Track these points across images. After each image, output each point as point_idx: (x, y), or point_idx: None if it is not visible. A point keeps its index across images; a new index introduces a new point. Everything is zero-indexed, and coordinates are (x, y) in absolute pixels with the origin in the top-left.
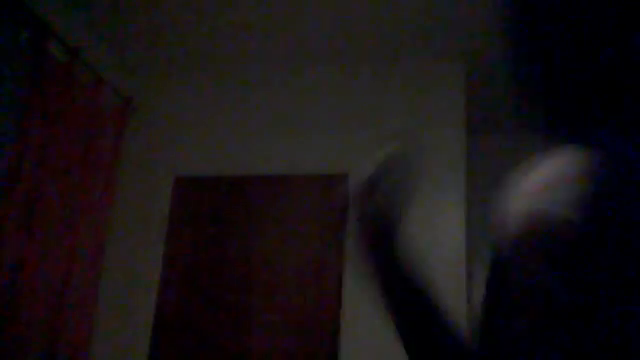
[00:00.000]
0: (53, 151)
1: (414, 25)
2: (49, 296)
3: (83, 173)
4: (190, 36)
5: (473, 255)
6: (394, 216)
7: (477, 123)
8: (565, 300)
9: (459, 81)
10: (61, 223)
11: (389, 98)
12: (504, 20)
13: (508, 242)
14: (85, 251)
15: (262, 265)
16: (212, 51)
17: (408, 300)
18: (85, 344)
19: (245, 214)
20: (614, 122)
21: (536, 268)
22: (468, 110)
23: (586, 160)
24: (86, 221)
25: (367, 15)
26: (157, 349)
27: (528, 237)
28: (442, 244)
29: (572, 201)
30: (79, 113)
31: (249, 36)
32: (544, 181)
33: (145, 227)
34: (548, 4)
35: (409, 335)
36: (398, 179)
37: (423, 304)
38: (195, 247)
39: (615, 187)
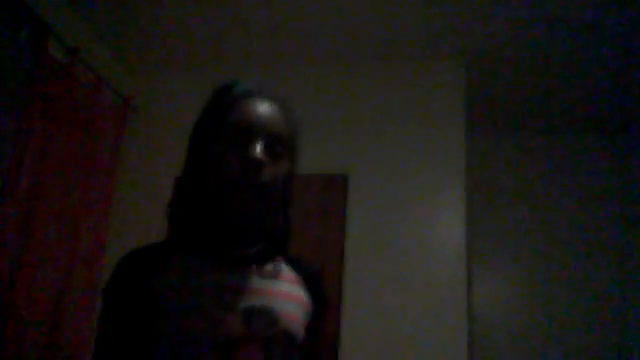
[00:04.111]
0: (53, 151)
1: (414, 25)
2: (49, 296)
3: (83, 173)
4: (190, 36)
5: (473, 255)
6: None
7: (477, 123)
8: None
9: (459, 81)
10: (61, 223)
11: (389, 98)
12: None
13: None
14: (85, 251)
15: None
16: (212, 51)
17: None
18: (85, 344)
19: None
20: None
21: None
22: (468, 110)
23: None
24: (86, 221)
25: (367, 15)
26: None
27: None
28: (442, 244)
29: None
30: (79, 113)
31: (249, 36)
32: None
33: (145, 227)
34: None
35: None
36: None
37: None
38: None
39: None
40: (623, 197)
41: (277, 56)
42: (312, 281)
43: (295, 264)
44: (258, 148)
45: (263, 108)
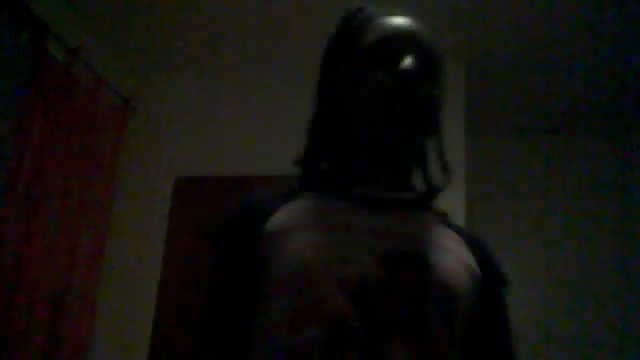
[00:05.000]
0: (53, 151)
1: None
2: (49, 296)
3: (83, 173)
4: (190, 36)
5: None
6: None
7: (477, 123)
8: None
9: (459, 81)
10: (61, 223)
11: None
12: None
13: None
14: (85, 251)
15: None
16: (212, 51)
17: None
18: (85, 344)
19: None
20: None
21: None
22: (468, 110)
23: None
24: (86, 221)
25: None
26: (157, 349)
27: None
28: None
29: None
30: (79, 113)
31: (249, 36)
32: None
33: (145, 227)
34: None
35: None
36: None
37: None
38: (195, 247)
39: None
40: (623, 197)
41: (277, 57)
42: (480, 246)
43: (450, 222)
44: (410, 60)
45: (408, 22)
